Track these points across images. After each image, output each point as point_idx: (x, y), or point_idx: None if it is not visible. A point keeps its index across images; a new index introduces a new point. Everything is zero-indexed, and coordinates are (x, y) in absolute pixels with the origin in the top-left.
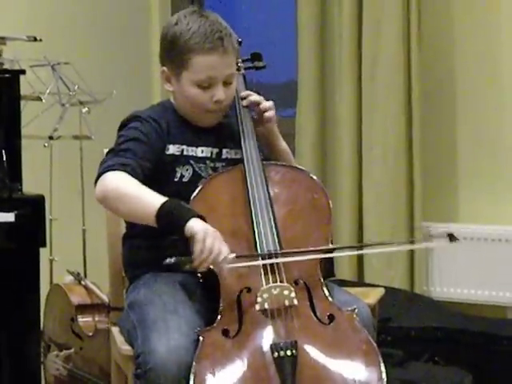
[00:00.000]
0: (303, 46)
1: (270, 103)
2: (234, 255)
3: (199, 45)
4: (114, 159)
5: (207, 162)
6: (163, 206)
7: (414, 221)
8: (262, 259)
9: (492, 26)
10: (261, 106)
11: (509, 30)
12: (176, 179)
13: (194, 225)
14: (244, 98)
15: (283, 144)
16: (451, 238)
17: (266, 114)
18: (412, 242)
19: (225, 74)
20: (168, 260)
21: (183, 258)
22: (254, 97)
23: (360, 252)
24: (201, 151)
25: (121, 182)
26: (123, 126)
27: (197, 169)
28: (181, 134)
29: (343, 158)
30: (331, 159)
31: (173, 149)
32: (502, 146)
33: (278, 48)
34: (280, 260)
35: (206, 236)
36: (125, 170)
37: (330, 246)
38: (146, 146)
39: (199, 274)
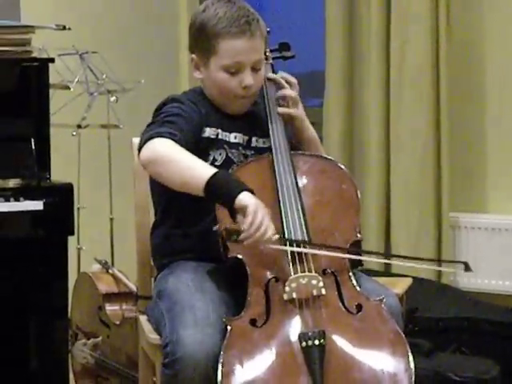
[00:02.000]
0: (331, 37)
1: (293, 94)
2: (277, 237)
3: (226, 29)
4: (161, 128)
5: (239, 148)
6: (215, 175)
7: (441, 211)
8: (300, 247)
9: None
10: (282, 91)
11: None
12: (209, 162)
13: (247, 197)
14: (271, 80)
15: (313, 133)
16: (466, 267)
17: (281, 93)
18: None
19: (252, 60)
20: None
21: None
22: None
23: (386, 261)
24: (234, 137)
25: (171, 147)
26: (161, 107)
27: (229, 154)
28: (216, 119)
29: (371, 149)
30: (359, 150)
31: (209, 132)
32: None
33: (305, 38)
34: (313, 251)
35: (258, 209)
36: (172, 139)
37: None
38: (187, 124)
39: (227, 263)
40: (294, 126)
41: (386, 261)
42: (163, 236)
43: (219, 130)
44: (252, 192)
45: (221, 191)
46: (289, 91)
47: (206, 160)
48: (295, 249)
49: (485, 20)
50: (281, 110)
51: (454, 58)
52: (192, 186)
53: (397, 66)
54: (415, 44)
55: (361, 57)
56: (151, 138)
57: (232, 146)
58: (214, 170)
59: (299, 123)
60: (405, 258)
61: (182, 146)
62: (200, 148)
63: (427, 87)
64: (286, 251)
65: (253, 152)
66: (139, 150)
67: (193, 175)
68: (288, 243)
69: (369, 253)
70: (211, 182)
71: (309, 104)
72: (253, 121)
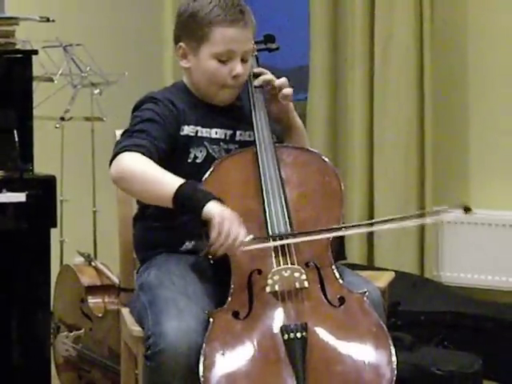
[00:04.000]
0: (315, 31)
1: (283, 79)
2: (251, 237)
3: (221, 17)
4: (129, 140)
5: (221, 143)
6: (180, 188)
7: (425, 206)
8: (276, 240)
9: (506, 7)
10: (276, 84)
11: None
12: (189, 160)
13: (211, 208)
14: (257, 76)
15: (299, 122)
16: (466, 209)
17: (284, 92)
18: (423, 215)
19: (244, 49)
20: (185, 245)
21: (201, 243)
22: (268, 76)
23: (370, 229)
24: (215, 132)
25: (136, 163)
26: (137, 107)
27: (210, 150)
28: (195, 115)
29: (355, 143)
30: (342, 144)
31: (187, 130)
32: None
33: (290, 32)
34: (294, 240)
35: (223, 220)
36: (140, 151)
37: (340, 225)
38: (160, 127)
39: (210, 256)
40: (283, 119)
41: (374, 229)
42: (145, 229)
43: (198, 127)
44: (219, 200)
45: (188, 204)
46: (289, 90)
47: (186, 158)
48: (271, 243)
49: (468, 4)
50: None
51: (438, 46)
52: (161, 201)
53: (381, 59)
54: (399, 38)
55: (345, 51)
56: (119, 153)
57: (213, 141)
58: (179, 183)
59: (291, 115)
60: (391, 220)
61: (151, 154)
62: (180, 146)
63: (411, 78)
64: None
65: (237, 146)
66: (109, 165)
67: (160, 190)
68: (270, 237)
69: (352, 226)
70: (178, 196)
71: (294, 98)
72: (237, 115)
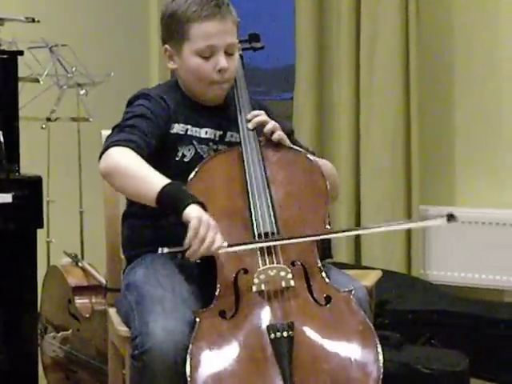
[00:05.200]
0: (301, 31)
1: (272, 124)
2: (226, 244)
3: (196, 13)
4: (120, 135)
5: (210, 143)
6: (165, 188)
7: (411, 204)
8: (258, 242)
9: (491, 6)
10: (264, 130)
11: (508, 9)
12: (177, 158)
13: (191, 212)
14: (249, 121)
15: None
16: (450, 217)
17: (275, 136)
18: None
19: (225, 42)
20: (160, 249)
21: (176, 248)
22: (260, 118)
23: (356, 233)
24: (204, 132)
25: (125, 159)
26: (130, 102)
27: (199, 149)
28: (187, 114)
29: (341, 142)
30: (328, 143)
31: (177, 128)
32: (500, 129)
33: (276, 32)
34: (275, 243)
35: (200, 225)
36: (129, 146)
37: (327, 230)
38: (152, 124)
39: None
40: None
41: (361, 232)
42: (133, 227)
43: (188, 126)
44: (201, 204)
45: (170, 205)
46: (279, 133)
47: (175, 156)
48: (251, 246)
49: (453, 4)
50: (277, 136)
51: (423, 45)
52: (144, 199)
53: (366, 57)
54: (385, 36)
55: (330, 50)
56: (109, 147)
57: (202, 141)
58: (164, 183)
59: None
60: (377, 227)
61: (141, 150)
62: (168, 144)
63: (397, 80)
64: (254, 243)
65: (226, 147)
66: (99, 160)
67: (144, 188)
68: (256, 236)
69: (341, 231)
70: (161, 196)
71: (281, 98)
72: (229, 116)
